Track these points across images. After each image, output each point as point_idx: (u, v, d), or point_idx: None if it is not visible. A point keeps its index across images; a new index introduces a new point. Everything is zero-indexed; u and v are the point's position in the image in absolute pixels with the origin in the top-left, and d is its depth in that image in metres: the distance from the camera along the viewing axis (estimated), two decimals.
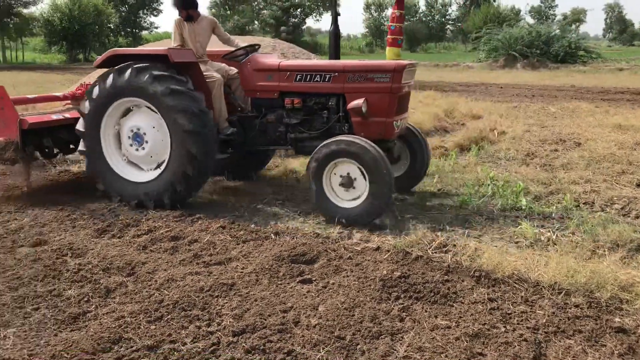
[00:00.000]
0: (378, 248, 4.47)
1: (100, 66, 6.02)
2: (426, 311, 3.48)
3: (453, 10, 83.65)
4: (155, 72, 5.57)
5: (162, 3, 67.48)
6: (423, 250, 4.43)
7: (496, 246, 4.56)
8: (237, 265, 4.19)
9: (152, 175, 5.80)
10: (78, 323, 3.37)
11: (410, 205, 5.87)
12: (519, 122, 11.36)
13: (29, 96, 7.10)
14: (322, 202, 5.31)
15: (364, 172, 5.13)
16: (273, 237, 4.80)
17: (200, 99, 5.67)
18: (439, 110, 11.53)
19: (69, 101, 7.15)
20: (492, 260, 4.10)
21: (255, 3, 71.95)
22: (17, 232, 5.01)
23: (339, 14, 6.13)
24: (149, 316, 3.40)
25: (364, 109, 5.51)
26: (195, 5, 6.25)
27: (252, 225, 5.14)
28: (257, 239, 4.76)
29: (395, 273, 3.91)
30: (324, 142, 5.29)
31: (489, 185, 6.44)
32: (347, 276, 3.95)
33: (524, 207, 5.71)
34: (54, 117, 6.44)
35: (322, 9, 74.29)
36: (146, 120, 5.77)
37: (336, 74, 5.74)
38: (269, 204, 5.94)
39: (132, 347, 3.07)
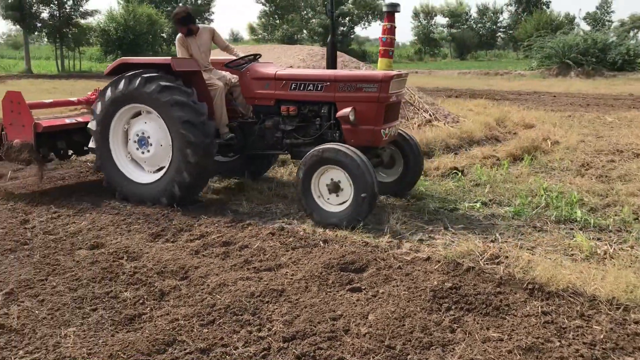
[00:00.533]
0: (428, 258, 4.44)
1: (110, 74, 6.45)
2: (478, 323, 3.43)
3: (504, 18, 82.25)
4: (163, 83, 5.92)
5: (213, 13, 68.78)
6: (474, 262, 4.37)
7: (550, 259, 4.46)
8: (287, 272, 4.23)
9: (153, 177, 6.21)
10: (134, 324, 3.47)
11: (461, 216, 5.80)
12: (573, 131, 11.06)
13: (46, 101, 7.52)
14: (310, 206, 5.50)
15: (349, 178, 5.31)
16: (322, 244, 4.82)
17: (203, 110, 6.01)
18: (490, 119, 11.34)
19: (84, 106, 7.50)
20: (546, 273, 4.01)
21: (304, 12, 72.57)
22: (76, 235, 5.20)
23: (336, 26, 6.30)
24: (201, 320, 3.47)
25: (351, 117, 5.72)
26: (194, 20, 6.65)
27: (301, 233, 5.18)
28: (306, 246, 4.79)
29: (446, 284, 3.87)
30: (312, 150, 5.52)
31: (542, 196, 6.30)
32: (397, 286, 3.93)
33: (579, 219, 5.56)
34: (68, 120, 6.89)
35: (370, 17, 74.36)
36: (152, 126, 6.14)
37: (328, 83, 5.99)
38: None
39: (185, 349, 3.14)
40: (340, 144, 5.56)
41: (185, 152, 5.85)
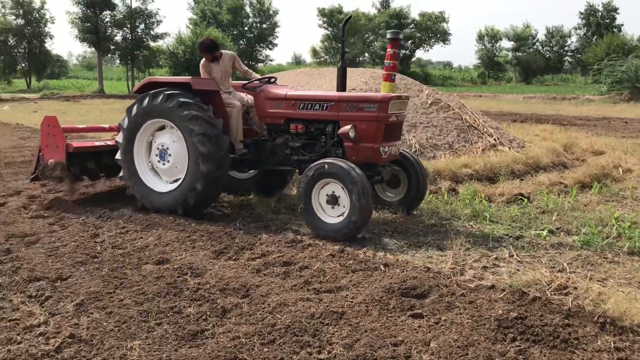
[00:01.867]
0: (493, 286, 4.32)
1: (138, 91, 6.98)
2: (545, 355, 3.30)
3: (572, 42, 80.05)
4: (182, 99, 6.40)
5: (277, 37, 70.19)
6: (541, 291, 4.22)
7: (623, 291, 4.25)
8: (347, 295, 4.20)
9: (170, 187, 6.66)
10: (196, 340, 3.53)
11: (527, 243, 5.63)
12: None
13: (79, 126, 8.17)
14: (311, 219, 5.85)
15: (346, 191, 5.61)
16: (382, 268, 4.78)
17: (218, 125, 6.45)
18: (557, 145, 11.01)
19: (115, 132, 7.88)
20: (619, 307, 3.82)
21: (366, 35, 73.05)
22: (143, 250, 5.36)
23: (347, 52, 6.68)
24: (262, 338, 3.50)
25: (351, 135, 6.08)
26: (218, 48, 7.12)
27: (361, 255, 5.15)
28: (366, 269, 4.76)
29: (511, 313, 3.75)
30: (313, 164, 5.90)
31: (613, 225, 6.04)
32: (460, 313, 3.84)
33: None
34: (97, 143, 7.51)
35: (433, 41, 74.07)
36: (172, 139, 6.62)
37: (332, 103, 6.40)
38: (378, 234, 5.93)
39: None
40: (340, 159, 5.90)
41: (199, 163, 6.25)
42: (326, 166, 5.73)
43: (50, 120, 7.10)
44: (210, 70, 7.07)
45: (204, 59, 7.10)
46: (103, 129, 8.47)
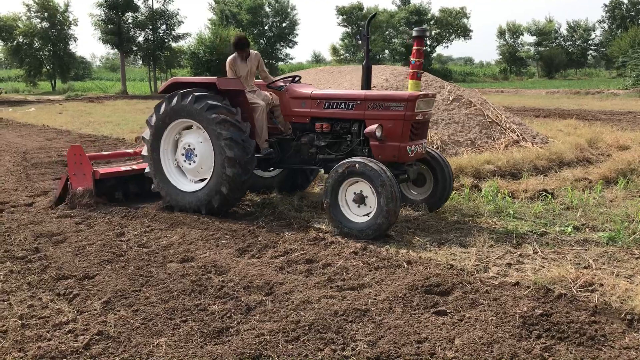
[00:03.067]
0: (517, 283, 4.29)
1: (163, 92, 7.04)
2: (571, 353, 3.27)
3: (596, 35, 78.78)
4: (211, 102, 6.42)
5: (297, 35, 70.29)
6: (567, 288, 4.19)
7: None
8: (370, 292, 4.21)
9: (194, 187, 6.74)
10: (221, 337, 3.57)
11: (551, 240, 5.57)
12: None
13: (104, 152, 8.26)
14: (335, 215, 5.83)
15: (374, 191, 5.58)
16: (405, 265, 4.78)
17: (246, 129, 6.49)
18: (581, 140, 10.86)
19: (140, 156, 7.84)
20: None
21: (386, 32, 72.78)
22: (168, 248, 5.42)
23: (371, 50, 6.60)
24: (286, 336, 3.52)
25: (377, 134, 6.03)
26: (249, 44, 7.21)
27: (384, 253, 5.16)
28: (389, 267, 4.76)
29: (536, 310, 3.72)
30: (343, 161, 5.85)
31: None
32: (484, 311, 3.83)
33: None
34: (123, 168, 7.59)
35: (453, 37, 73.51)
36: (199, 140, 6.67)
37: (358, 102, 6.39)
38: (401, 231, 5.92)
39: None
40: (369, 158, 5.85)
41: (225, 166, 6.31)
42: (357, 165, 5.68)
43: (76, 149, 7.19)
44: (237, 69, 7.08)
45: (231, 56, 7.11)
46: (128, 154, 8.58)
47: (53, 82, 56.04)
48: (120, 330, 3.65)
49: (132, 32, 50.62)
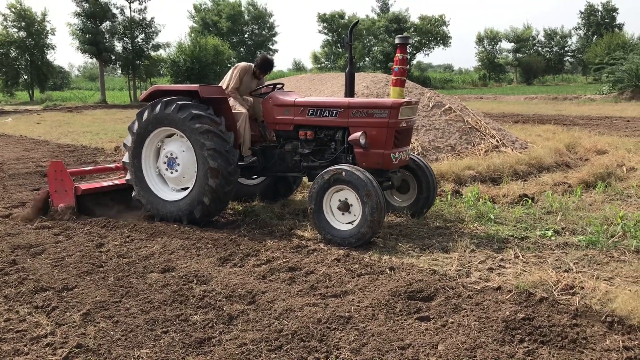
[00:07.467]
0: (499, 288, 4.31)
1: (145, 100, 6.97)
2: (553, 356, 3.29)
3: (573, 42, 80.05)
4: (195, 111, 6.37)
5: (276, 42, 70.38)
6: (548, 292, 4.21)
7: (630, 290, 4.23)
8: (353, 299, 4.20)
9: (177, 196, 6.68)
10: (204, 347, 3.52)
11: (532, 244, 5.62)
12: None
13: (85, 168, 8.14)
14: (319, 222, 5.80)
15: (359, 200, 5.56)
16: (388, 272, 4.77)
17: (230, 139, 6.45)
18: (559, 145, 10.99)
19: (122, 171, 7.78)
20: (627, 305, 3.81)
21: (366, 40, 73.15)
22: (148, 258, 5.36)
23: (354, 57, 6.70)
24: (269, 345, 3.49)
25: (361, 141, 6.03)
26: (271, 70, 7.41)
27: (367, 259, 5.15)
28: (372, 273, 4.76)
29: (518, 314, 3.74)
30: (329, 168, 5.82)
31: (619, 224, 6.02)
32: (467, 315, 3.83)
33: None
34: (105, 183, 7.49)
35: (432, 44, 74.07)
36: (182, 149, 6.61)
37: (342, 109, 6.36)
38: (384, 237, 5.92)
39: None
40: (354, 166, 5.84)
41: (208, 177, 6.26)
42: (344, 173, 5.65)
43: (57, 166, 7.05)
44: (244, 79, 7.12)
45: (248, 65, 7.14)
46: (110, 169, 8.47)
47: (31, 92, 55.29)
48: (100, 342, 3.59)
49: (110, 42, 50.21)
